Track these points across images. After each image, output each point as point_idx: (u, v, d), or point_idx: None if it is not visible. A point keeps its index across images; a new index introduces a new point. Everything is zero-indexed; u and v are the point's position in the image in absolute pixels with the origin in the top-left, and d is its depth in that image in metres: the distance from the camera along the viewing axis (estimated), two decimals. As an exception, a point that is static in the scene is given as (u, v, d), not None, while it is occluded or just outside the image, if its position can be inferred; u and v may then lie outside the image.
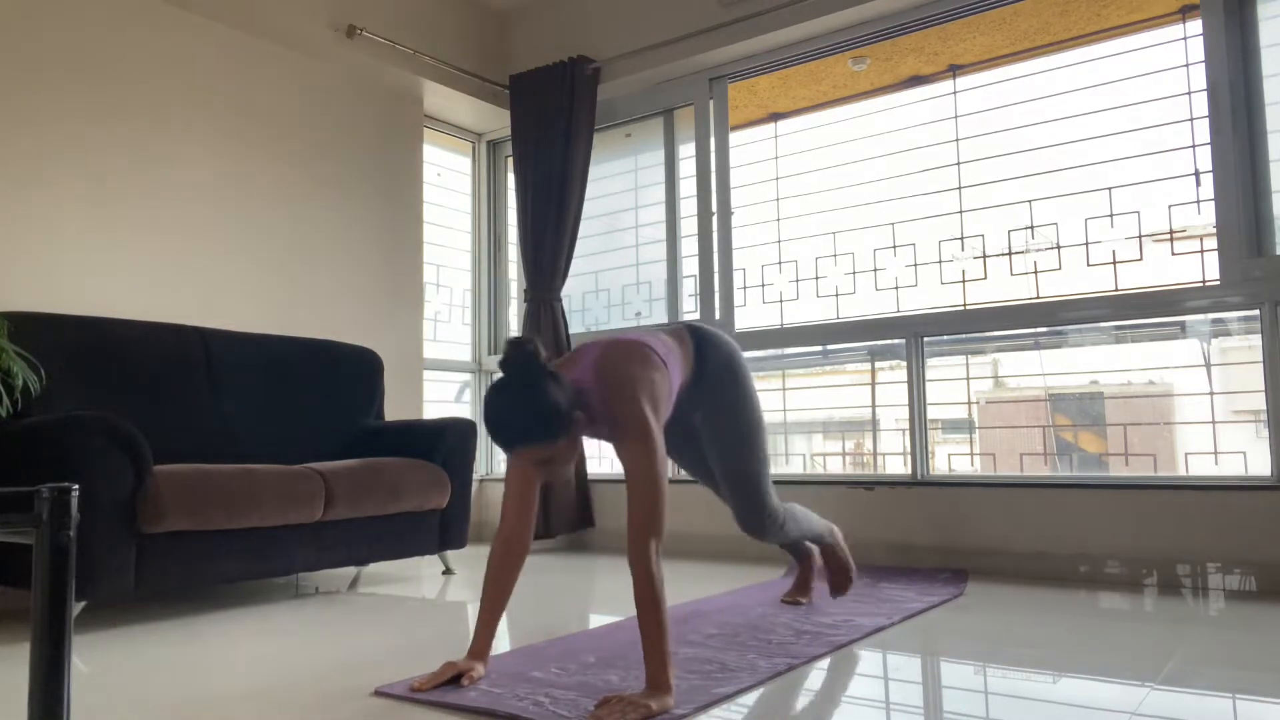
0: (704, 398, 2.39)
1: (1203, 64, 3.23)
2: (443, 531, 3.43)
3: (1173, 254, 3.33)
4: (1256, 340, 3.08)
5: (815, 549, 2.82)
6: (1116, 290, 3.41)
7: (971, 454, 3.95)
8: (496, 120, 4.95)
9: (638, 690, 1.80)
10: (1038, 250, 3.59)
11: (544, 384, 1.83)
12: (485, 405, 1.85)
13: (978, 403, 4.02)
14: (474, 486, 4.50)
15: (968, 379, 3.86)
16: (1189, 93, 3.30)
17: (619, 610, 2.76)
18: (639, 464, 1.88)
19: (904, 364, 3.72)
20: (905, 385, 3.69)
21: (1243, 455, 3.19)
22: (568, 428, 1.85)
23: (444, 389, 4.96)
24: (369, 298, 4.30)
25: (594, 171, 4.57)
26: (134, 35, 3.50)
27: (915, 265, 3.84)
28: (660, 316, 4.47)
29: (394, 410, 4.25)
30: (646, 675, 1.73)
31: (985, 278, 3.69)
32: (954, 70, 3.88)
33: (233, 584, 3.33)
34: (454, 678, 1.87)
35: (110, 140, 3.41)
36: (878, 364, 4.08)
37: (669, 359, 2.15)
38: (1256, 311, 3.08)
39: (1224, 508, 3.00)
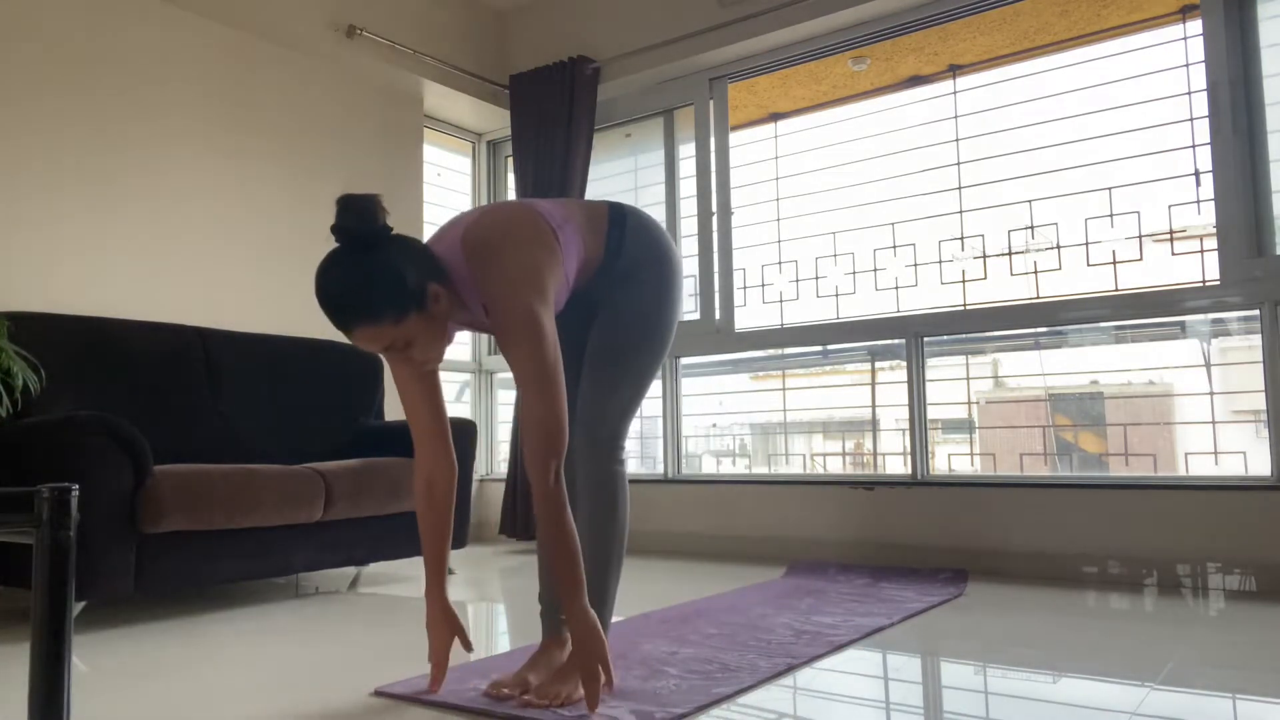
0: (608, 294, 1.87)
1: (1203, 64, 3.23)
2: (443, 531, 3.42)
3: (1173, 254, 3.33)
4: (1256, 340, 3.08)
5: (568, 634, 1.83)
6: (1116, 290, 3.41)
7: (971, 454, 3.96)
8: (496, 120, 4.95)
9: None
10: (1038, 250, 3.59)
11: (383, 249, 1.58)
12: (316, 279, 1.58)
13: (978, 403, 4.03)
14: (474, 487, 4.50)
15: (968, 379, 3.86)
16: (1189, 93, 3.30)
17: (620, 610, 2.75)
18: (525, 365, 1.61)
19: (904, 364, 3.71)
20: (905, 385, 3.69)
21: (1243, 455, 3.19)
22: (419, 302, 1.60)
23: (444, 389, 4.95)
24: (369, 298, 4.29)
25: (594, 171, 4.57)
26: (133, 35, 3.50)
27: (915, 265, 3.84)
28: (660, 316, 4.46)
29: (394, 410, 4.25)
30: (571, 617, 1.62)
31: (985, 278, 3.69)
32: (954, 70, 3.88)
33: (233, 584, 3.33)
34: (442, 663, 1.82)
35: (110, 140, 3.41)
36: (878, 364, 4.08)
37: (564, 230, 1.76)
38: (1256, 311, 3.08)
39: (1224, 508, 3.00)
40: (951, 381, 3.85)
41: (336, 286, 1.57)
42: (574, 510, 1.87)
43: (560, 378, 1.64)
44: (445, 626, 1.83)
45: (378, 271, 1.56)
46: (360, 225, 1.57)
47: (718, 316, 4.23)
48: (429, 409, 1.85)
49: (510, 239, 1.67)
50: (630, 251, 1.86)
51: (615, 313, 1.87)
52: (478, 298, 1.70)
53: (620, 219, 1.88)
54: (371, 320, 1.57)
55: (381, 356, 1.78)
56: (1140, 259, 3.39)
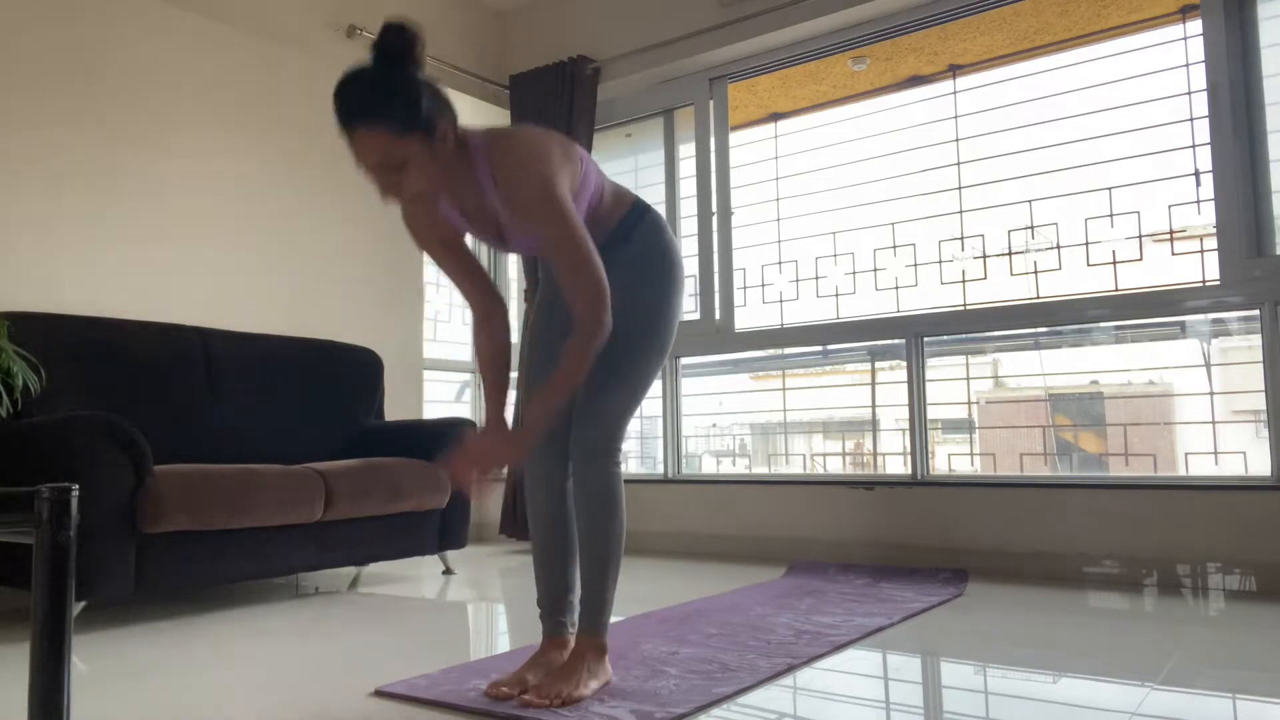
0: (614, 273, 1.85)
1: (1203, 64, 3.23)
2: (443, 531, 3.43)
3: (1173, 254, 3.33)
4: (1256, 340, 3.08)
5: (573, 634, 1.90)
6: (1116, 290, 3.41)
7: (971, 454, 3.96)
8: (496, 120, 4.95)
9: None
10: (1038, 250, 3.59)
11: (409, 69, 1.60)
12: (337, 82, 1.60)
13: (978, 403, 4.03)
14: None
15: (968, 379, 3.86)
16: (1189, 93, 3.30)
17: (620, 610, 2.76)
18: (550, 232, 1.66)
19: (904, 364, 3.72)
20: (905, 385, 3.69)
21: (1243, 455, 3.19)
22: (428, 126, 1.61)
23: (444, 389, 4.96)
24: (369, 298, 4.30)
25: (594, 171, 4.56)
26: (133, 35, 3.50)
27: (915, 265, 3.84)
28: (660, 316, 4.46)
29: (394, 410, 4.25)
30: (528, 415, 1.68)
31: (985, 278, 3.69)
32: (954, 70, 3.88)
33: (233, 584, 3.33)
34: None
35: (110, 140, 3.41)
36: (878, 364, 4.08)
37: (587, 165, 1.84)
38: (1256, 311, 3.08)
39: (1224, 508, 3.00)
40: (951, 381, 3.85)
41: (353, 83, 1.60)
42: (575, 514, 1.87)
43: (586, 235, 1.67)
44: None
45: (396, 80, 1.59)
46: (398, 44, 1.60)
47: (718, 316, 4.23)
48: (465, 268, 1.91)
49: (532, 138, 1.73)
50: (640, 242, 1.92)
51: (617, 314, 1.85)
52: (492, 186, 1.72)
53: (641, 210, 1.97)
54: (374, 121, 1.58)
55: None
56: (1140, 259, 3.39)
